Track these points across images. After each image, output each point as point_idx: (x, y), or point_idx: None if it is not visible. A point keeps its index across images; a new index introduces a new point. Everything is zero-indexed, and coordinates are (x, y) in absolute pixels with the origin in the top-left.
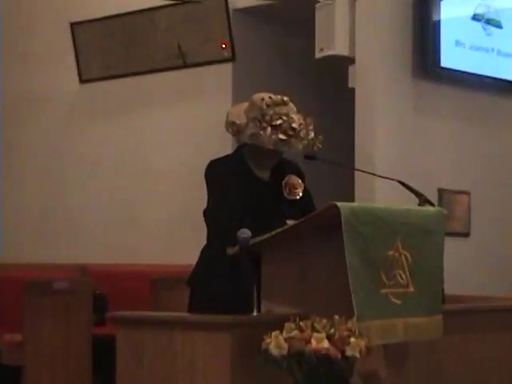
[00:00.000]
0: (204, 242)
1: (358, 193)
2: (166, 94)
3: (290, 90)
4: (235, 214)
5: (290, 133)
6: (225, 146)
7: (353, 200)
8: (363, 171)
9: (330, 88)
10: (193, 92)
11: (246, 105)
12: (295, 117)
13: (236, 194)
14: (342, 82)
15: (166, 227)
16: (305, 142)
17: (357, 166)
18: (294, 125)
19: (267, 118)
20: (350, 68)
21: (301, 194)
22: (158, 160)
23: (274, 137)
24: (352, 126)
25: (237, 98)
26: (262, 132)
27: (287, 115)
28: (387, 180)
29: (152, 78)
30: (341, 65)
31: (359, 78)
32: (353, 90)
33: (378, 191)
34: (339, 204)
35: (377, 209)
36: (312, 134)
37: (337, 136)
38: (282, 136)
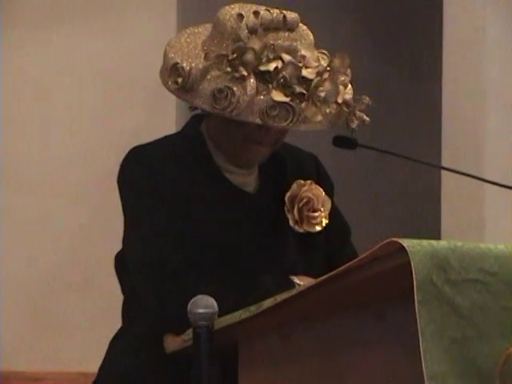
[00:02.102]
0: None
1: (445, 215)
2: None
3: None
4: (185, 261)
5: (299, 89)
6: (164, 118)
7: (436, 232)
8: (458, 172)
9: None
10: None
11: (204, 30)
12: (310, 55)
13: (185, 220)
14: None
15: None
16: (331, 109)
17: (445, 158)
18: (306, 72)
19: (249, 56)
20: None
21: (324, 223)
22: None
23: (262, 98)
24: (435, 81)
25: (186, 14)
26: (236, 87)
27: (293, 51)
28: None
29: None
30: None
31: None
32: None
33: (490, 211)
34: (407, 243)
35: (489, 254)
36: (349, 93)
37: (403, 98)
38: (280, 97)
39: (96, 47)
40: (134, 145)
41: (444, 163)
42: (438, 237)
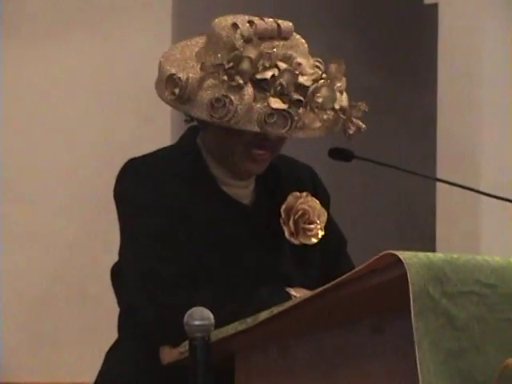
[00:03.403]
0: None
1: (440, 226)
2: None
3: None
4: (181, 273)
5: (296, 96)
6: (159, 130)
7: (431, 244)
8: (453, 184)
9: (384, 3)
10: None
11: (197, 42)
12: (305, 62)
13: (182, 232)
14: None
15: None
16: (329, 115)
17: (441, 169)
18: (302, 79)
19: (245, 65)
20: None
21: (320, 235)
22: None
23: (260, 106)
24: (430, 92)
25: (181, 28)
26: (234, 96)
27: (288, 59)
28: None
29: None
30: None
31: None
32: (430, 9)
33: (486, 223)
34: (403, 255)
35: (486, 266)
36: (345, 100)
37: (398, 109)
38: (277, 104)
39: (90, 58)
40: (129, 157)
41: (439, 174)
42: (433, 248)
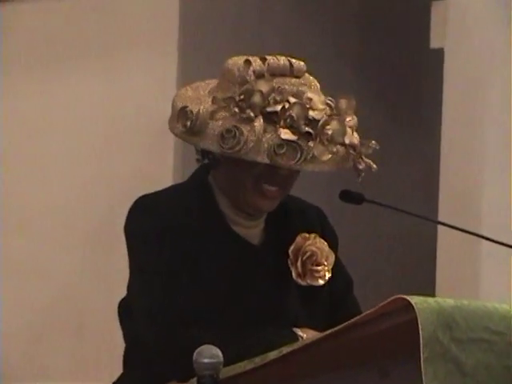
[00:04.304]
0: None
1: (440, 269)
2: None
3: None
4: (188, 311)
5: (306, 129)
6: (162, 165)
7: (431, 287)
8: (455, 227)
9: (389, 47)
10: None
11: (209, 83)
12: (316, 98)
13: (190, 270)
14: (418, 38)
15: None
16: (338, 149)
17: (442, 212)
18: (313, 113)
19: (256, 98)
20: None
21: (328, 276)
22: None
23: (270, 136)
24: (433, 134)
25: (187, 64)
26: (244, 127)
27: (300, 95)
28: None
29: None
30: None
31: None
32: (437, 53)
33: (486, 267)
34: (414, 300)
35: (494, 313)
36: (355, 137)
37: (401, 150)
38: (287, 135)
39: (94, 91)
40: (129, 193)
41: (441, 217)
42: (432, 291)
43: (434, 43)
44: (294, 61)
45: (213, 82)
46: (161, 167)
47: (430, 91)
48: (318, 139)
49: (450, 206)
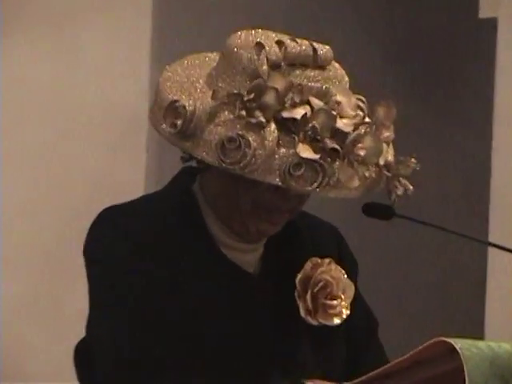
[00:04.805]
0: None
1: (490, 305)
2: None
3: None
4: (166, 359)
5: (332, 145)
6: (132, 165)
7: (479, 326)
8: (508, 250)
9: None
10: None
11: (207, 61)
12: (346, 101)
13: (169, 305)
14: (464, 9)
15: None
16: (370, 172)
17: (493, 232)
18: (341, 123)
19: (269, 98)
20: None
21: (345, 314)
22: None
23: (285, 152)
24: (483, 133)
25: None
26: (252, 137)
27: (325, 95)
28: None
29: None
30: None
31: None
32: (488, 24)
33: None
34: (460, 344)
35: None
36: (390, 152)
37: (444, 148)
38: (307, 152)
39: (42, 70)
40: (92, 202)
41: (492, 237)
42: (480, 331)
43: (484, 13)
44: (317, 45)
45: (211, 58)
46: (130, 170)
47: (477, 73)
48: (345, 160)
49: (504, 222)
